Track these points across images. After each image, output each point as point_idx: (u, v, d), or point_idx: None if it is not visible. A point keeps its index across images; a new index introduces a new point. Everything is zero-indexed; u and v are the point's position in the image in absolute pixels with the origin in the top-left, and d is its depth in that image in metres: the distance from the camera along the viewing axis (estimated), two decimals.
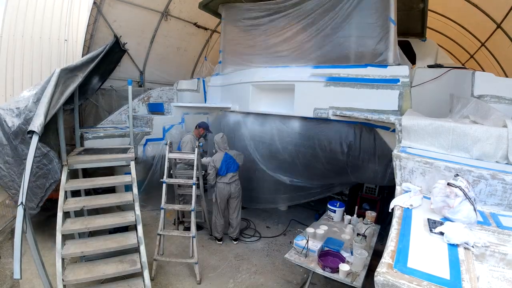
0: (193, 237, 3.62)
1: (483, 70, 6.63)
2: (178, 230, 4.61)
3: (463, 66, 6.02)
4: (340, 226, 3.71)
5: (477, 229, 1.59)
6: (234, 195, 4.34)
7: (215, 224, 4.42)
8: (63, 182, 3.28)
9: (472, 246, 1.40)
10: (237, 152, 4.50)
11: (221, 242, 4.44)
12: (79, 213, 3.51)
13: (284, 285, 3.59)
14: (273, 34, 4.64)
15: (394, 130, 2.78)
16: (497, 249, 1.41)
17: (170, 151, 3.97)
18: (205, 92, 6.16)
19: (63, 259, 2.90)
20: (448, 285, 1.12)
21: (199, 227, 4.70)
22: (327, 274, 2.73)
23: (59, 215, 3.04)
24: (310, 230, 3.34)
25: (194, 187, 3.81)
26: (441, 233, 1.47)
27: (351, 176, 4.15)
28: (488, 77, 3.49)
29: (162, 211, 3.76)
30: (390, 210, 1.89)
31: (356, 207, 3.90)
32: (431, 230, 1.52)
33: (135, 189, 3.51)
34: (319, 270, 2.78)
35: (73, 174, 3.74)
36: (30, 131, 2.55)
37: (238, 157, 4.39)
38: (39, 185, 3.30)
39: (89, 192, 4.41)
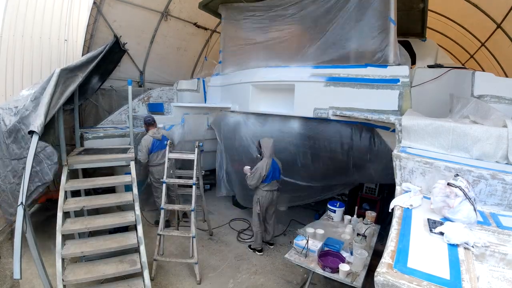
0: (193, 237, 3.62)
1: (483, 70, 6.63)
2: (178, 230, 4.60)
3: (463, 66, 6.02)
4: (340, 226, 3.70)
5: (477, 229, 1.59)
6: (274, 202, 4.22)
7: (257, 236, 4.18)
8: (63, 182, 3.28)
9: (472, 246, 1.40)
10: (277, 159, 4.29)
11: (262, 253, 4.20)
12: (79, 213, 3.51)
13: (284, 285, 3.59)
14: (273, 34, 4.64)
15: (394, 130, 2.78)
16: (497, 249, 1.41)
17: (170, 151, 3.97)
18: (205, 92, 6.16)
19: (63, 259, 2.90)
20: (448, 285, 1.12)
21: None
22: (327, 274, 2.73)
23: (59, 215, 3.04)
24: (310, 230, 3.34)
25: (194, 187, 3.81)
26: (441, 233, 1.47)
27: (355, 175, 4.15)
28: (488, 77, 3.49)
29: (162, 211, 3.76)
30: (390, 210, 1.89)
31: (356, 207, 3.90)
32: (431, 230, 1.51)
33: (135, 189, 3.50)
34: (319, 270, 2.78)
35: (73, 174, 3.74)
36: (30, 131, 2.55)
37: (280, 164, 4.23)
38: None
39: (89, 192, 4.41)
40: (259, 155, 4.16)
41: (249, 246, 4.35)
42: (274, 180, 4.08)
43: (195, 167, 3.90)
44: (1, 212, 4.14)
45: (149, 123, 4.63)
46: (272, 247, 4.39)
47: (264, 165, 3.97)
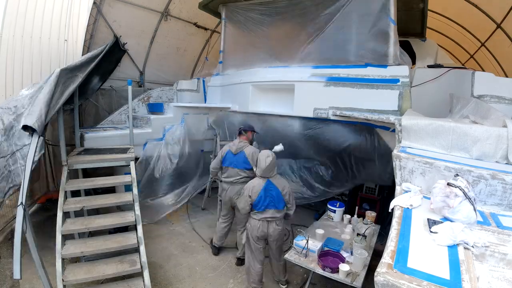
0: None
1: (483, 70, 6.63)
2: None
3: (463, 66, 6.02)
4: (340, 226, 3.71)
5: (477, 229, 1.59)
6: (274, 237, 3.20)
7: (247, 273, 3.39)
8: (63, 182, 3.28)
9: (472, 246, 1.40)
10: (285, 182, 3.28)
11: None
12: (79, 213, 3.51)
13: None
14: (273, 34, 4.64)
15: (394, 130, 2.78)
16: (497, 249, 1.41)
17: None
18: (205, 92, 6.16)
19: (63, 259, 2.90)
20: (448, 285, 1.12)
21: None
22: (327, 274, 2.73)
23: (59, 215, 3.04)
24: (310, 230, 3.35)
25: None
26: (437, 232, 1.47)
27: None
28: (488, 77, 3.49)
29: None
30: (390, 210, 1.89)
31: (356, 207, 3.90)
32: (431, 230, 1.51)
33: (135, 189, 3.51)
34: (319, 270, 2.78)
35: (73, 174, 3.74)
36: (29, 127, 2.49)
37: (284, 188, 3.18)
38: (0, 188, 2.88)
39: (89, 192, 4.40)
40: (254, 168, 3.33)
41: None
42: (270, 209, 3.11)
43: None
44: (1, 212, 4.15)
45: (239, 132, 4.03)
46: (285, 287, 3.47)
47: (251, 187, 3.12)
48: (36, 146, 2.51)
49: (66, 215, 3.22)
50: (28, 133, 2.56)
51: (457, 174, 1.83)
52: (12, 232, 3.94)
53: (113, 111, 5.58)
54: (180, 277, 3.64)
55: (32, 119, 2.50)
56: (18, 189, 2.79)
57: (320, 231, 3.30)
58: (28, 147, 2.70)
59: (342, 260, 2.84)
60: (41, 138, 2.57)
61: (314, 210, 5.56)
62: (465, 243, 1.40)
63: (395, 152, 2.26)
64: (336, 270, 2.71)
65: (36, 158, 2.51)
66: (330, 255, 2.95)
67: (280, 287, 3.49)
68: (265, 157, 3.10)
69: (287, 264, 3.37)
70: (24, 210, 2.29)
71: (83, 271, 2.96)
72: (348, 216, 3.76)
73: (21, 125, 2.49)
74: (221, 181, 4.03)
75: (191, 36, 7.62)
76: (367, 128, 3.65)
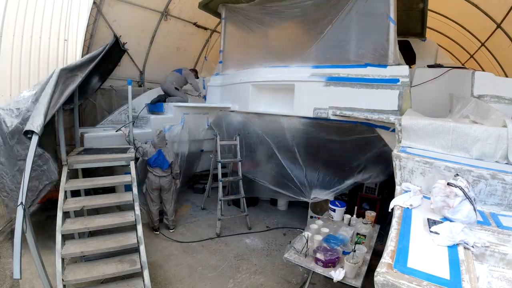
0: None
1: (483, 70, 6.63)
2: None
3: (463, 66, 6.02)
4: (340, 225, 3.70)
5: (477, 229, 1.59)
6: (166, 187, 4.55)
7: (148, 214, 4.69)
8: (63, 182, 3.28)
9: (472, 246, 1.40)
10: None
11: (157, 232, 4.62)
12: (79, 213, 3.51)
13: (284, 285, 3.59)
14: (273, 34, 4.63)
15: (394, 130, 2.78)
16: (497, 249, 1.41)
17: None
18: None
19: (63, 259, 2.90)
20: (448, 285, 1.12)
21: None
22: (327, 274, 2.72)
23: (59, 215, 3.04)
24: (313, 226, 3.36)
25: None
26: (437, 233, 1.47)
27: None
28: (488, 77, 3.50)
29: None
30: (390, 210, 1.89)
31: (356, 207, 3.90)
32: (430, 230, 1.51)
33: (134, 189, 3.50)
34: (319, 270, 2.77)
35: (73, 174, 3.74)
36: (30, 131, 2.54)
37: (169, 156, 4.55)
38: (31, 188, 3.14)
39: (89, 192, 4.41)
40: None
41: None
42: (157, 167, 4.42)
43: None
44: (1, 212, 4.15)
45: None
46: (172, 230, 4.72)
47: (147, 148, 4.43)
48: (36, 147, 2.52)
49: (66, 215, 3.22)
50: (28, 136, 2.58)
51: (457, 174, 1.83)
52: (12, 232, 3.95)
53: (113, 111, 5.58)
54: (180, 277, 3.64)
55: (34, 125, 2.56)
56: (53, 185, 3.22)
57: (325, 230, 3.29)
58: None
59: (338, 257, 2.81)
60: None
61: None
62: (465, 243, 1.40)
63: (395, 152, 2.27)
64: (327, 265, 2.71)
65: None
66: (328, 251, 2.92)
67: (169, 231, 4.70)
68: (159, 133, 4.59)
69: (287, 263, 3.40)
70: (24, 210, 2.29)
71: (83, 271, 2.96)
72: (348, 216, 3.76)
73: (23, 132, 2.58)
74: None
75: (191, 36, 7.62)
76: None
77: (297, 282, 3.63)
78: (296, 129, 4.24)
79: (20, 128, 3.10)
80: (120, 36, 5.76)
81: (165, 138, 4.68)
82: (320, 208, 4.81)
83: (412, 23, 5.04)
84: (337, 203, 3.89)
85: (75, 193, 3.75)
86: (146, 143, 4.59)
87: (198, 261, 3.98)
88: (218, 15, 5.57)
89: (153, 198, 4.58)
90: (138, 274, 3.11)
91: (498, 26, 5.78)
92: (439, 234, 1.45)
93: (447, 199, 1.64)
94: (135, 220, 3.30)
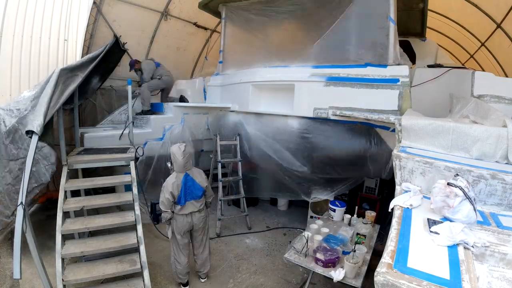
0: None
1: (483, 70, 6.63)
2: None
3: (463, 66, 6.02)
4: (340, 225, 3.70)
5: (477, 229, 1.59)
6: (199, 226, 3.34)
7: (173, 266, 3.42)
8: (63, 182, 3.28)
9: (472, 246, 1.40)
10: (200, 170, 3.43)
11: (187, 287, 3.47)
12: (79, 213, 3.51)
13: (284, 285, 3.59)
14: (272, 34, 4.63)
15: (394, 130, 2.78)
16: (497, 249, 1.41)
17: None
18: (204, 92, 6.16)
19: (63, 259, 2.90)
20: (448, 285, 1.12)
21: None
22: (327, 274, 2.72)
23: (59, 215, 3.04)
24: (314, 226, 3.36)
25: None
26: (437, 233, 1.47)
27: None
28: (488, 77, 3.50)
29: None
30: (390, 210, 1.89)
31: (356, 206, 3.90)
32: (431, 230, 1.51)
33: (134, 189, 3.50)
34: (319, 270, 2.77)
35: (73, 174, 3.74)
36: (30, 131, 2.54)
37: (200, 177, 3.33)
38: (17, 190, 2.99)
39: (89, 192, 4.41)
40: (169, 164, 3.34)
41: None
42: (192, 200, 3.21)
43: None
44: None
45: None
46: (204, 280, 3.57)
47: (171, 182, 3.12)
48: (36, 147, 2.52)
49: (66, 215, 3.22)
50: (28, 135, 2.58)
51: (457, 174, 1.83)
52: (12, 232, 3.94)
53: (113, 111, 5.58)
54: None
55: (34, 125, 2.55)
56: (48, 186, 3.15)
57: (325, 229, 3.29)
58: (46, 149, 2.97)
59: (338, 257, 2.82)
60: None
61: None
62: (465, 243, 1.40)
63: (395, 152, 2.27)
64: (327, 265, 2.71)
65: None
66: (328, 251, 2.92)
67: (200, 280, 3.59)
68: (180, 151, 3.16)
69: (287, 263, 3.39)
70: (24, 210, 2.29)
71: (83, 271, 2.97)
72: (348, 216, 3.76)
73: (25, 131, 2.56)
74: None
75: (191, 36, 7.61)
76: None
77: (297, 282, 3.64)
78: (296, 129, 4.24)
79: (16, 127, 3.07)
80: (120, 36, 5.77)
81: (192, 156, 3.41)
82: (320, 208, 4.81)
83: (412, 23, 5.04)
84: (337, 203, 3.89)
85: (75, 193, 3.75)
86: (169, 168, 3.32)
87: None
88: (218, 15, 5.56)
89: (183, 244, 3.30)
90: (138, 274, 3.11)
91: (498, 26, 5.78)
92: (439, 234, 1.45)
93: (447, 199, 1.64)
94: (135, 220, 3.30)
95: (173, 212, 3.22)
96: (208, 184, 3.39)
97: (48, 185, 5.00)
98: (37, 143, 2.55)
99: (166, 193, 3.10)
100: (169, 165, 3.35)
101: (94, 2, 5.34)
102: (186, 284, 3.45)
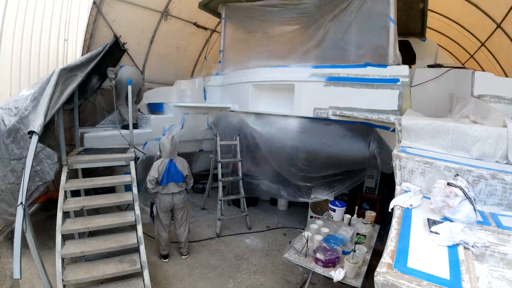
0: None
1: (483, 70, 6.62)
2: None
3: (463, 66, 6.02)
4: (340, 225, 3.70)
5: (477, 229, 1.59)
6: (179, 206, 3.89)
7: (158, 241, 3.99)
8: (63, 182, 3.28)
9: (472, 246, 1.40)
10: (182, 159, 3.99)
11: (166, 260, 3.98)
12: (79, 213, 3.51)
13: (284, 285, 3.59)
14: (272, 34, 4.63)
15: (394, 130, 2.78)
16: (497, 249, 1.41)
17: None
18: (204, 92, 6.16)
19: (63, 259, 2.90)
20: (448, 285, 1.12)
21: None
22: (327, 274, 2.73)
23: (59, 215, 3.04)
24: (313, 226, 3.36)
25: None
26: (437, 233, 1.47)
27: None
28: (488, 77, 3.49)
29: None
30: (390, 210, 1.89)
31: (356, 206, 3.90)
32: (430, 230, 1.51)
33: (134, 189, 3.50)
34: (319, 270, 2.77)
35: (73, 174, 3.73)
36: (30, 131, 2.55)
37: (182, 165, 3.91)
38: None
39: (89, 192, 4.41)
40: (158, 153, 3.86)
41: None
42: (172, 182, 3.76)
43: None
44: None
45: None
46: (185, 257, 4.06)
47: (157, 165, 3.72)
48: (36, 147, 2.52)
49: (66, 215, 3.22)
50: (29, 136, 2.58)
51: (457, 174, 1.83)
52: (12, 232, 3.94)
53: (113, 111, 5.57)
54: (180, 276, 3.64)
55: (34, 125, 2.56)
56: (48, 186, 3.21)
57: (325, 230, 3.29)
58: (49, 148, 3.01)
59: (338, 257, 2.82)
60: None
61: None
62: (465, 243, 1.40)
63: (395, 152, 2.26)
64: (327, 265, 2.71)
65: None
66: (328, 250, 2.93)
67: (182, 257, 4.07)
68: (168, 141, 3.81)
69: (287, 262, 3.41)
70: (24, 210, 2.30)
71: (83, 271, 2.96)
72: (348, 216, 3.76)
73: (28, 132, 2.58)
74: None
75: (191, 36, 7.61)
76: None
77: (297, 282, 3.64)
78: (296, 129, 4.25)
79: (17, 127, 3.08)
80: (120, 36, 5.76)
81: (176, 145, 4.03)
82: (320, 208, 4.81)
83: (412, 23, 5.04)
84: (337, 203, 3.89)
85: (75, 193, 3.75)
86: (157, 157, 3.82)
87: (198, 261, 3.99)
88: (218, 15, 5.56)
89: (164, 221, 3.87)
90: (138, 274, 3.11)
91: (498, 26, 5.77)
92: (439, 234, 1.45)
93: (447, 199, 1.64)
94: (135, 220, 3.30)
95: (157, 193, 3.78)
96: (188, 173, 3.94)
97: (48, 185, 5.03)
98: (37, 144, 2.54)
99: (152, 171, 3.72)
100: (158, 153, 3.93)
101: (94, 2, 5.33)
102: (166, 256, 3.99)
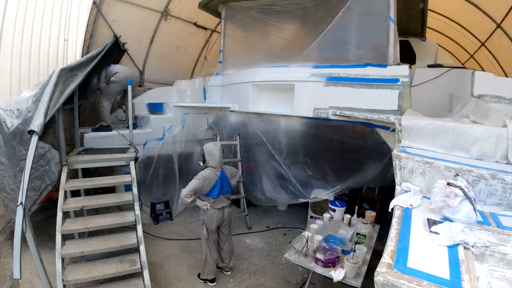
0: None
1: (483, 70, 6.63)
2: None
3: (463, 66, 6.02)
4: (340, 225, 3.70)
5: (477, 229, 1.59)
6: (227, 221, 3.53)
7: (205, 263, 3.50)
8: (63, 182, 3.28)
9: (472, 246, 1.40)
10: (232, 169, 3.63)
11: (215, 284, 3.52)
12: (79, 213, 3.51)
13: (284, 285, 3.59)
14: (272, 34, 4.63)
15: (394, 130, 2.78)
16: (497, 249, 1.41)
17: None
18: (204, 92, 6.16)
19: (62, 259, 2.90)
20: (448, 285, 1.12)
21: None
22: (327, 274, 2.72)
23: (59, 215, 3.04)
24: (313, 226, 3.36)
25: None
26: (437, 233, 1.47)
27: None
28: (488, 77, 3.50)
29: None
30: (390, 210, 1.89)
31: (356, 206, 3.90)
32: (430, 230, 1.51)
33: (134, 189, 3.51)
34: (319, 270, 2.77)
35: (73, 174, 3.74)
36: (30, 130, 2.55)
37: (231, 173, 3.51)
38: (34, 187, 3.19)
39: (89, 192, 4.41)
40: (201, 163, 3.43)
41: (198, 275, 3.59)
42: (223, 195, 3.37)
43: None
44: (1, 212, 4.15)
45: None
46: (229, 273, 3.71)
47: (207, 175, 3.25)
48: (36, 146, 2.52)
49: (66, 215, 3.22)
50: (29, 135, 2.60)
51: (457, 174, 1.83)
52: (12, 232, 3.95)
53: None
54: (180, 277, 3.64)
55: (34, 125, 2.58)
56: (57, 184, 3.27)
57: (314, 226, 3.30)
58: (53, 150, 3.10)
59: (338, 257, 2.81)
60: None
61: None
62: (465, 243, 1.40)
63: (395, 152, 2.26)
64: (327, 265, 2.71)
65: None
66: (328, 250, 2.92)
67: (224, 274, 3.71)
68: (216, 149, 3.34)
69: (287, 262, 3.39)
70: (24, 210, 2.30)
71: (83, 271, 2.97)
72: (348, 216, 3.76)
73: (27, 131, 2.61)
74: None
75: (191, 36, 7.61)
76: None
77: (297, 282, 3.64)
78: (296, 129, 4.25)
79: (21, 129, 3.12)
80: (120, 36, 5.77)
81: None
82: (320, 208, 4.81)
83: (412, 23, 5.04)
84: (337, 203, 3.89)
85: (75, 193, 3.75)
86: (201, 168, 3.36)
87: (198, 261, 3.98)
88: (218, 15, 5.56)
89: (214, 240, 3.44)
90: (138, 274, 3.11)
91: (498, 26, 5.78)
92: (439, 234, 1.45)
93: (447, 199, 1.64)
94: (135, 220, 3.30)
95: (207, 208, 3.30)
96: (235, 183, 3.59)
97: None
98: (37, 143, 2.55)
99: (200, 180, 3.19)
100: (201, 163, 3.44)
101: (94, 2, 5.34)
102: (214, 280, 3.52)
